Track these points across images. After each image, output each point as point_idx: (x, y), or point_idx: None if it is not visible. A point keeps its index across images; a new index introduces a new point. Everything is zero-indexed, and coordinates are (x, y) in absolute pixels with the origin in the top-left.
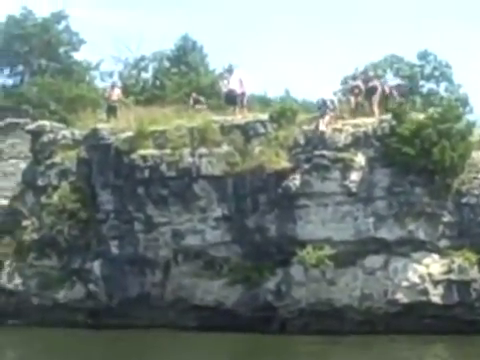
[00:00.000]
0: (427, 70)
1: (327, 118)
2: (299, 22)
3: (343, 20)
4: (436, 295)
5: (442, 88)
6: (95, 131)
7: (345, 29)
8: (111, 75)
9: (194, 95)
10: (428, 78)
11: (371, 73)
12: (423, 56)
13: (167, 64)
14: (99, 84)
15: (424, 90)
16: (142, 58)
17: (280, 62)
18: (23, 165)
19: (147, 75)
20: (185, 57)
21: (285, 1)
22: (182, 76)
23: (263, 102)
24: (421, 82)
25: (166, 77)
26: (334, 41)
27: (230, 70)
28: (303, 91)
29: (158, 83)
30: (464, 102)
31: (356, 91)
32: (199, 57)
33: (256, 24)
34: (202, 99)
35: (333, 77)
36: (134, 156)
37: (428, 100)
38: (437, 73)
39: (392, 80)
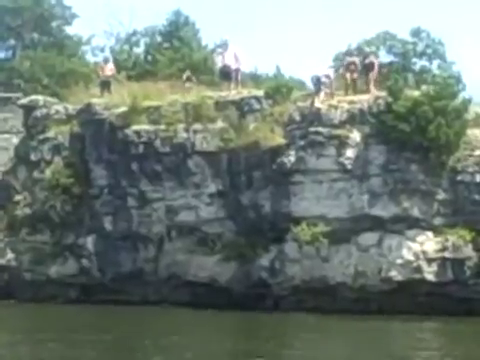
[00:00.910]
0: (420, 47)
1: (322, 95)
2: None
3: None
4: (430, 273)
5: (435, 65)
6: (89, 106)
7: (337, 5)
8: (103, 50)
9: (187, 73)
10: (421, 55)
11: (368, 49)
12: (416, 33)
13: (159, 39)
14: (90, 59)
15: (417, 67)
16: (134, 33)
17: (271, 38)
18: (15, 140)
19: (139, 50)
20: (177, 32)
21: None
22: (175, 51)
23: (253, 79)
24: (414, 59)
25: (158, 52)
26: (326, 18)
27: (225, 45)
28: (294, 68)
29: (150, 58)
30: (457, 80)
31: (352, 67)
32: (191, 32)
33: (247, 1)
34: (194, 78)
35: (325, 54)
36: (128, 131)
37: (421, 77)
38: (430, 50)
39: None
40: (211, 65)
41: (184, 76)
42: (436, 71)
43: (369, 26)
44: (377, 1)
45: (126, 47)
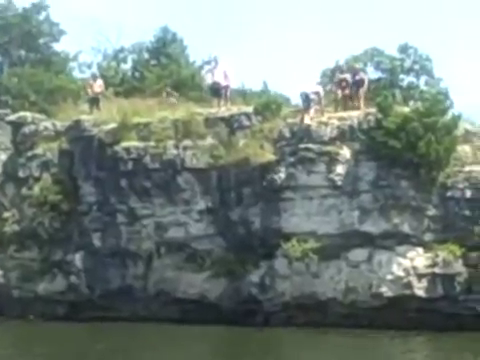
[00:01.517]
0: (407, 63)
1: (312, 111)
2: (278, 14)
3: (323, 13)
4: (420, 288)
5: (422, 82)
6: (77, 123)
7: (325, 22)
8: (90, 66)
9: (168, 89)
10: (408, 71)
11: (357, 66)
12: (403, 49)
13: (146, 56)
14: (78, 75)
15: (404, 83)
16: (121, 49)
17: (258, 54)
18: (3, 156)
19: (126, 67)
20: (165, 49)
21: None
22: (163, 68)
23: (241, 94)
24: (401, 75)
25: (146, 69)
26: (313, 34)
27: (215, 62)
28: (281, 84)
29: (137, 75)
30: (445, 96)
31: (344, 84)
32: (179, 49)
33: (234, 17)
34: (175, 94)
35: (312, 70)
36: (117, 148)
37: (408, 94)
38: (417, 67)
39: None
40: (199, 81)
41: (164, 93)
42: (424, 87)
43: (357, 42)
44: (365, 17)
45: (113, 64)
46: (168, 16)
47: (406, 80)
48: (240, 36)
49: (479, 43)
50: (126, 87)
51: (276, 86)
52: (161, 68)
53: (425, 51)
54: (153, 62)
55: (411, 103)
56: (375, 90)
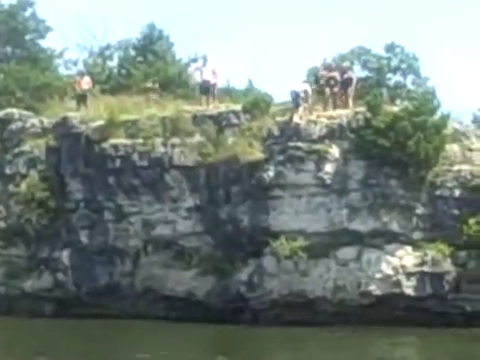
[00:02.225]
0: (394, 62)
1: (301, 110)
2: (264, 12)
3: (309, 11)
4: (409, 287)
5: (409, 81)
6: (65, 120)
7: (311, 20)
8: (76, 63)
9: (149, 85)
10: (395, 70)
11: (345, 64)
12: (390, 48)
13: (133, 53)
14: (63, 72)
15: (391, 83)
16: (107, 46)
17: (243, 52)
18: None
19: (112, 64)
20: (151, 46)
21: None
22: (149, 65)
23: (226, 92)
24: (388, 74)
25: (132, 66)
26: (300, 32)
27: (204, 60)
28: (266, 82)
29: (124, 72)
30: (432, 95)
31: (332, 82)
32: (166, 46)
33: (220, 14)
34: (157, 89)
35: (298, 69)
36: (105, 145)
37: (395, 93)
38: (404, 66)
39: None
40: (186, 79)
41: (148, 83)
42: (411, 86)
43: (343, 41)
44: (351, 16)
45: (99, 61)
46: (154, 13)
47: (393, 79)
48: (225, 33)
49: (465, 43)
50: (112, 84)
51: (261, 84)
52: (148, 65)
53: (412, 50)
54: (139, 59)
55: (398, 102)
56: (362, 89)
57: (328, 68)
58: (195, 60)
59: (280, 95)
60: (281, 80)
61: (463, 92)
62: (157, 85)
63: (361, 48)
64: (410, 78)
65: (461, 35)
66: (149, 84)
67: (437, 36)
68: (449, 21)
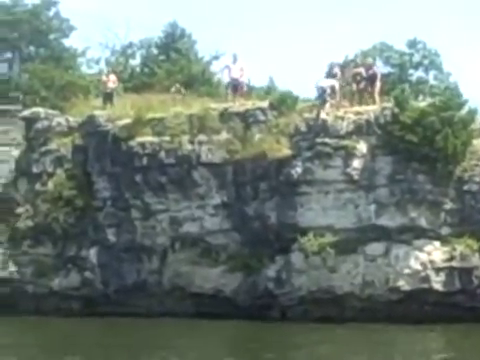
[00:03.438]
0: (416, 58)
1: (328, 106)
2: (285, 9)
3: (330, 8)
4: (438, 282)
5: (431, 76)
6: (92, 118)
7: (333, 17)
8: (98, 62)
9: (177, 85)
10: (417, 66)
11: (371, 60)
12: (412, 44)
13: (155, 51)
14: (86, 71)
15: (413, 78)
16: (130, 45)
17: (265, 50)
18: (15, 152)
19: (135, 62)
20: (174, 44)
21: None
22: (173, 63)
23: (248, 90)
24: (410, 70)
25: (155, 64)
26: (321, 29)
27: (234, 59)
28: (288, 80)
29: (147, 70)
30: (454, 91)
31: (358, 78)
32: (188, 44)
33: (242, 12)
34: (183, 91)
35: (320, 66)
36: (132, 143)
37: (418, 88)
38: (426, 61)
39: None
40: (209, 76)
41: (173, 89)
42: (433, 82)
43: (365, 37)
44: (373, 12)
45: (122, 59)
46: (175, 12)
47: (415, 75)
48: (246, 31)
49: None
50: (135, 83)
51: (282, 82)
52: (171, 63)
53: (434, 46)
54: (162, 58)
55: (420, 98)
56: (385, 85)
57: (355, 64)
58: (217, 58)
59: (302, 92)
60: (302, 78)
61: None
62: (182, 89)
63: (383, 44)
64: (432, 74)
65: None
66: (173, 89)
67: (458, 31)
68: (470, 16)
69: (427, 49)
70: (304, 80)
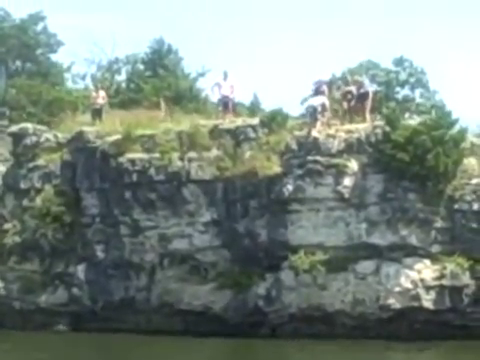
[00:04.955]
0: (402, 76)
1: (319, 124)
2: (271, 27)
3: (316, 26)
4: (428, 300)
5: (417, 94)
6: (80, 134)
7: (318, 35)
8: (83, 77)
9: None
10: (403, 84)
11: (361, 78)
12: (399, 62)
13: (141, 67)
14: (71, 86)
15: (400, 96)
16: (116, 60)
17: (250, 67)
18: (2, 168)
19: (120, 78)
20: (161, 60)
21: (258, 6)
22: (161, 80)
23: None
24: (396, 88)
25: (141, 80)
26: (307, 48)
27: (225, 76)
28: (273, 97)
29: (133, 86)
30: (441, 109)
31: (349, 96)
32: (175, 60)
33: (225, 29)
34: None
35: (306, 83)
36: (122, 160)
37: (404, 106)
38: (413, 79)
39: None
40: (197, 93)
41: (162, 104)
42: (419, 100)
43: (352, 55)
44: (359, 30)
45: (108, 75)
46: (159, 27)
47: (401, 93)
48: (230, 48)
49: (472, 55)
50: (121, 98)
51: (267, 99)
52: (159, 80)
53: (420, 64)
54: (148, 73)
55: (407, 115)
56: (374, 103)
57: (346, 82)
58: (203, 75)
59: (287, 110)
60: (287, 95)
61: (470, 105)
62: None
63: (370, 62)
64: (418, 92)
65: (468, 48)
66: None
67: (444, 49)
68: (457, 34)
69: (413, 67)
70: (289, 97)
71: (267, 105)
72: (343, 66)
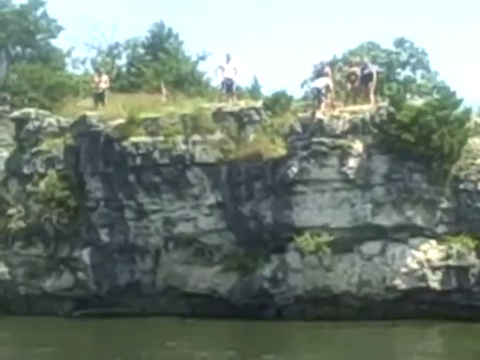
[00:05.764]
0: (403, 57)
1: (323, 105)
2: (271, 8)
3: (317, 7)
4: (435, 281)
5: (418, 75)
6: (83, 118)
7: (319, 17)
8: (84, 62)
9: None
10: (404, 65)
11: (366, 59)
12: (399, 43)
13: (141, 51)
14: (71, 71)
15: (401, 77)
16: (116, 45)
17: (250, 49)
18: (5, 153)
19: (120, 62)
20: (161, 44)
21: None
22: (162, 64)
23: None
24: (398, 69)
25: (142, 64)
26: (308, 29)
27: (227, 59)
28: (274, 79)
29: (133, 70)
30: (442, 89)
31: (353, 77)
32: (175, 44)
33: (227, 11)
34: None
35: (307, 66)
36: (126, 143)
37: (405, 87)
38: (413, 60)
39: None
40: (198, 76)
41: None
42: (420, 81)
43: (352, 37)
44: (360, 11)
45: (108, 59)
46: (159, 11)
47: (402, 74)
48: (231, 30)
49: (474, 38)
50: (122, 83)
51: (267, 81)
52: (160, 64)
53: (421, 45)
54: (148, 58)
55: (408, 96)
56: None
57: (349, 64)
58: (204, 58)
59: (288, 92)
60: (288, 77)
61: (471, 86)
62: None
63: (370, 43)
64: (419, 73)
65: (471, 32)
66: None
67: (445, 30)
68: (458, 15)
69: (414, 48)
70: (290, 79)
71: (267, 89)
72: (344, 48)
